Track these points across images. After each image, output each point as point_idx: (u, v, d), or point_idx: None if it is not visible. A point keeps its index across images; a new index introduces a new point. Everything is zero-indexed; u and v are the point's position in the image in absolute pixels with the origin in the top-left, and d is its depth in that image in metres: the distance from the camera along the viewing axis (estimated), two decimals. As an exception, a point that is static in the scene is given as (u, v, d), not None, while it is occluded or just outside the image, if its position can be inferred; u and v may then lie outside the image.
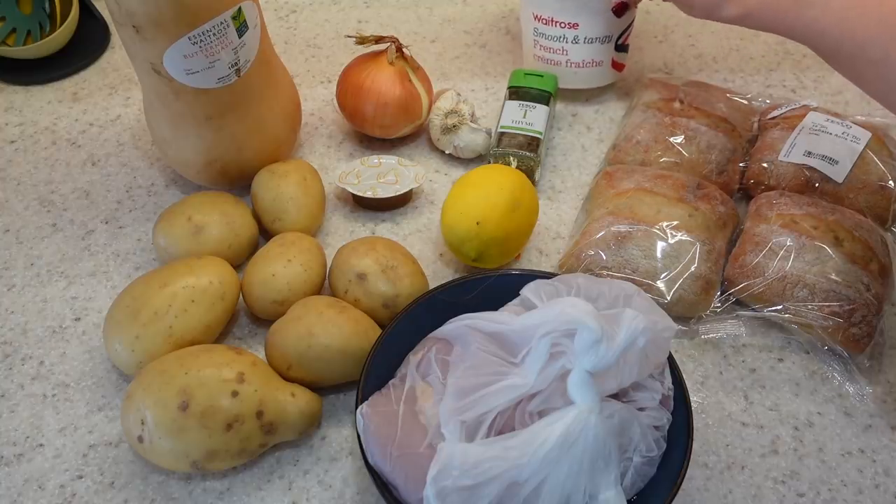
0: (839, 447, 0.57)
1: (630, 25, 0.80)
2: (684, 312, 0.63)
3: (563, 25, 0.77)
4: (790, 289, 0.61)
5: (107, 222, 0.72)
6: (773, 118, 0.74)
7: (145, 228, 0.72)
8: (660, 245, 0.63)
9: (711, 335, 0.62)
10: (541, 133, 0.73)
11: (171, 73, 0.60)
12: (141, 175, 0.77)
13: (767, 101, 0.77)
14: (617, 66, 0.81)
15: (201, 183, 0.72)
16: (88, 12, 0.92)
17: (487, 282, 0.58)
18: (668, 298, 0.61)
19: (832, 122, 0.71)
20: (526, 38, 0.82)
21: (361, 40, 0.75)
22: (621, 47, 0.80)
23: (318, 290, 0.63)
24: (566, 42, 0.78)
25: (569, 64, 0.80)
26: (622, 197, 0.67)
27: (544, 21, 0.77)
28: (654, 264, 0.62)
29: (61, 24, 0.86)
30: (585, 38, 0.78)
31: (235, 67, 0.63)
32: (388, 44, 0.74)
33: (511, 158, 0.72)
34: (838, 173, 0.68)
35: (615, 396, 0.49)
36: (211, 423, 0.51)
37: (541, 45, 0.80)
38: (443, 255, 0.70)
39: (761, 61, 0.88)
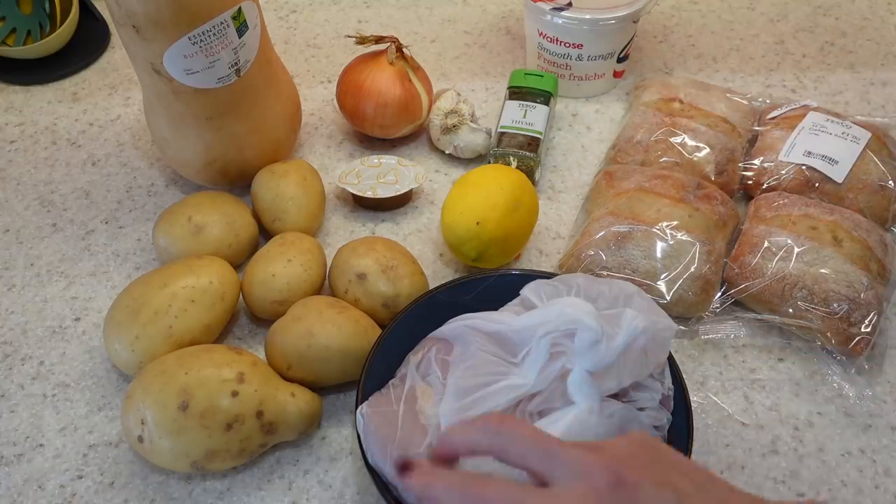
0: (839, 447, 0.57)
1: (632, 38, 0.80)
2: (684, 312, 0.63)
3: (567, 45, 0.78)
4: (789, 289, 0.61)
5: (107, 222, 0.72)
6: (773, 118, 0.74)
7: (145, 228, 0.72)
8: (660, 245, 0.63)
9: (711, 335, 0.62)
10: (541, 133, 0.73)
11: (171, 73, 0.60)
12: (141, 175, 0.77)
13: (767, 101, 0.77)
14: (617, 74, 0.83)
15: (201, 183, 0.72)
16: (88, 12, 0.92)
17: (487, 282, 0.58)
18: (668, 299, 0.61)
19: (832, 122, 0.71)
20: (530, 48, 0.82)
21: (361, 40, 0.75)
22: (623, 58, 0.81)
23: (318, 290, 0.63)
24: (570, 59, 0.79)
25: (571, 77, 0.81)
26: (622, 197, 0.67)
27: (549, 39, 0.78)
28: (654, 264, 0.62)
29: (61, 24, 0.86)
30: (589, 57, 0.78)
31: (235, 67, 0.63)
32: (388, 44, 0.74)
33: (511, 158, 0.72)
34: (838, 173, 0.68)
35: (615, 396, 0.49)
36: (211, 423, 0.51)
37: (545, 59, 0.80)
38: (443, 255, 0.70)
39: (761, 61, 0.88)
